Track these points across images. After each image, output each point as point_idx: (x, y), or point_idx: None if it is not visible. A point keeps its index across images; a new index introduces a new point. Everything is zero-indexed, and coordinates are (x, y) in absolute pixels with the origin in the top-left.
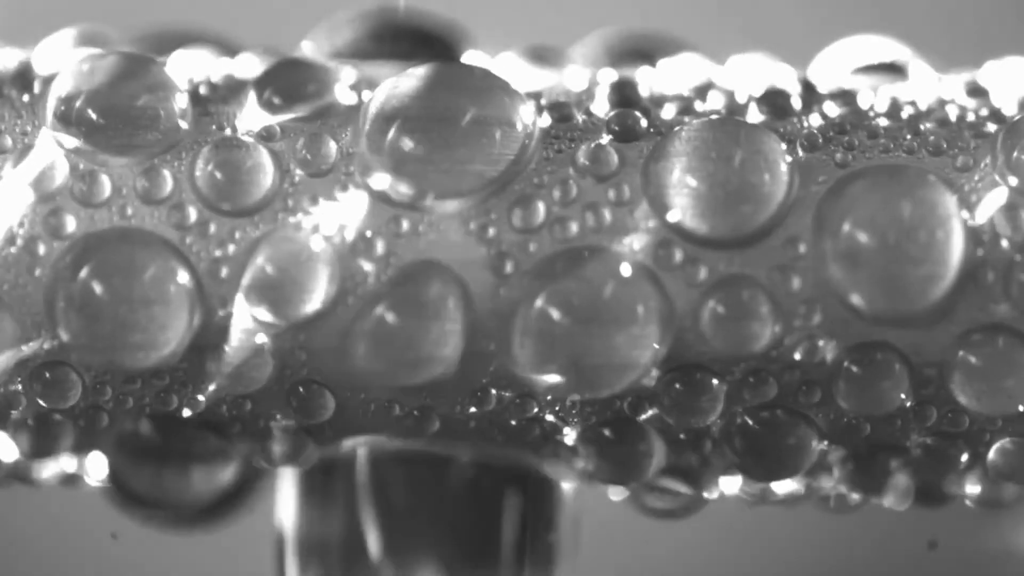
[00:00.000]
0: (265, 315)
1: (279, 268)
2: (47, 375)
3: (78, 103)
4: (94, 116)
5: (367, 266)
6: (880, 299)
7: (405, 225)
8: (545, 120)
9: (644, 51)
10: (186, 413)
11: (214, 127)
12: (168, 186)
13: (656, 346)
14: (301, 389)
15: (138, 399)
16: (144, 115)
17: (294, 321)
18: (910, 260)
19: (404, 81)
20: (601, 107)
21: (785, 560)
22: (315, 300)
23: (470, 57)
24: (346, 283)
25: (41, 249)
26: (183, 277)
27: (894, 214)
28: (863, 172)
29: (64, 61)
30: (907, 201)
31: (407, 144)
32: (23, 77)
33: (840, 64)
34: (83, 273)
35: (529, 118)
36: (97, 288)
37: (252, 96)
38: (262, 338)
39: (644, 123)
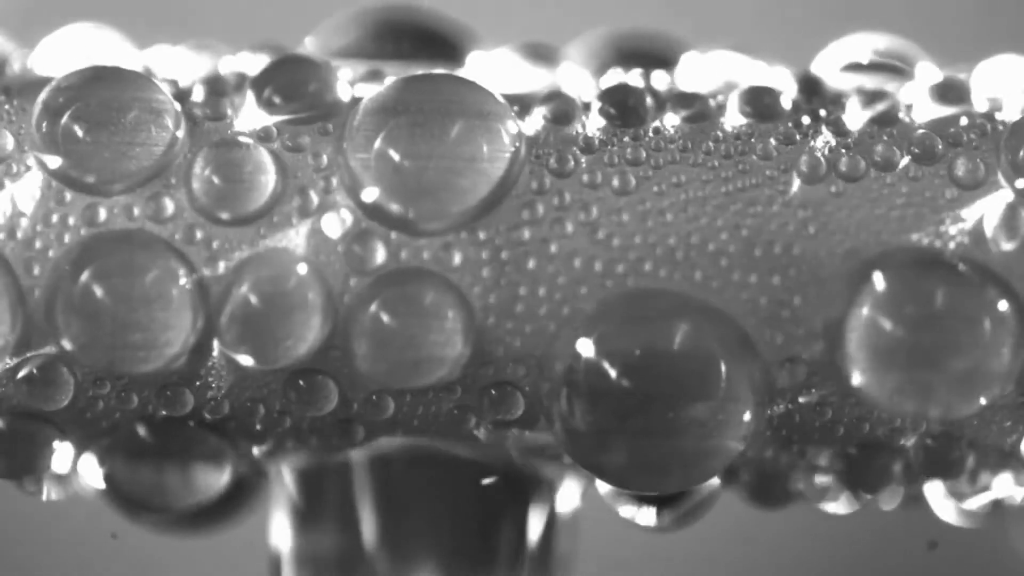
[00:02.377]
0: (247, 359)
1: (265, 304)
2: (35, 373)
3: (60, 129)
4: (79, 137)
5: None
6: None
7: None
8: (536, 121)
9: (638, 51)
10: (187, 414)
11: (212, 129)
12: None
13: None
14: (301, 382)
15: (137, 400)
16: (132, 150)
17: (277, 364)
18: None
19: (386, 93)
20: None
21: (785, 560)
22: (303, 343)
23: (474, 57)
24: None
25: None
26: (184, 279)
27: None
28: (887, 259)
29: (57, 67)
30: (941, 298)
31: (393, 157)
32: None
33: (839, 63)
34: (84, 276)
35: (516, 130)
36: (98, 290)
37: (250, 95)
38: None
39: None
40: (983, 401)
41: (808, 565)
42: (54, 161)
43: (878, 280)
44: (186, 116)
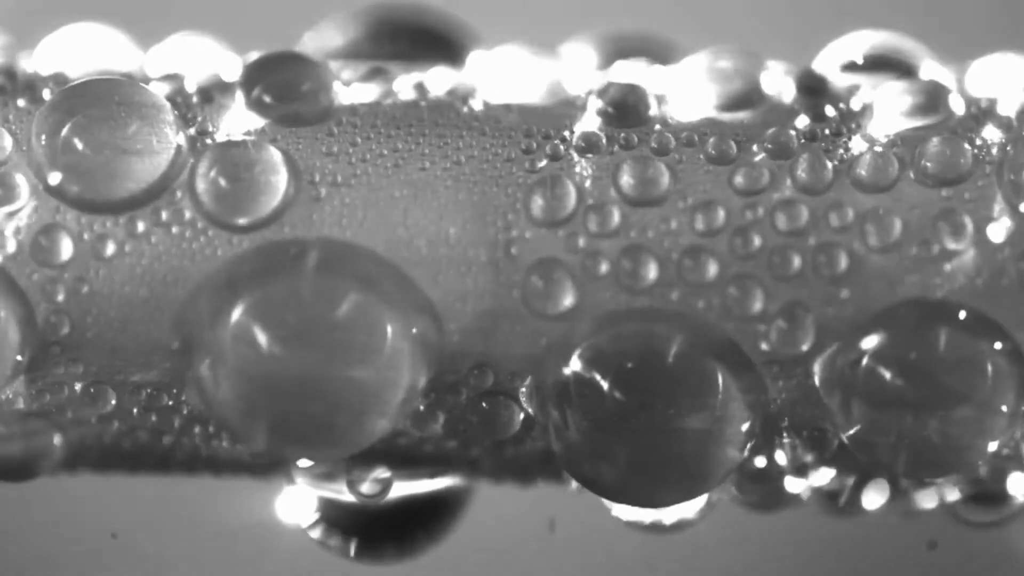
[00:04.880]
0: None
1: None
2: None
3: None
4: (79, 153)
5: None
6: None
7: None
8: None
9: (632, 53)
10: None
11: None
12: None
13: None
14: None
15: (137, 402)
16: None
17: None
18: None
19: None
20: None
21: (783, 560)
22: None
23: (474, 57)
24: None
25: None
26: None
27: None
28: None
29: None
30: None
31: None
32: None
33: (838, 64)
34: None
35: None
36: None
37: (239, 96)
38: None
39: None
40: (992, 448)
41: (807, 565)
42: (55, 178)
43: (878, 331)
44: (186, 123)
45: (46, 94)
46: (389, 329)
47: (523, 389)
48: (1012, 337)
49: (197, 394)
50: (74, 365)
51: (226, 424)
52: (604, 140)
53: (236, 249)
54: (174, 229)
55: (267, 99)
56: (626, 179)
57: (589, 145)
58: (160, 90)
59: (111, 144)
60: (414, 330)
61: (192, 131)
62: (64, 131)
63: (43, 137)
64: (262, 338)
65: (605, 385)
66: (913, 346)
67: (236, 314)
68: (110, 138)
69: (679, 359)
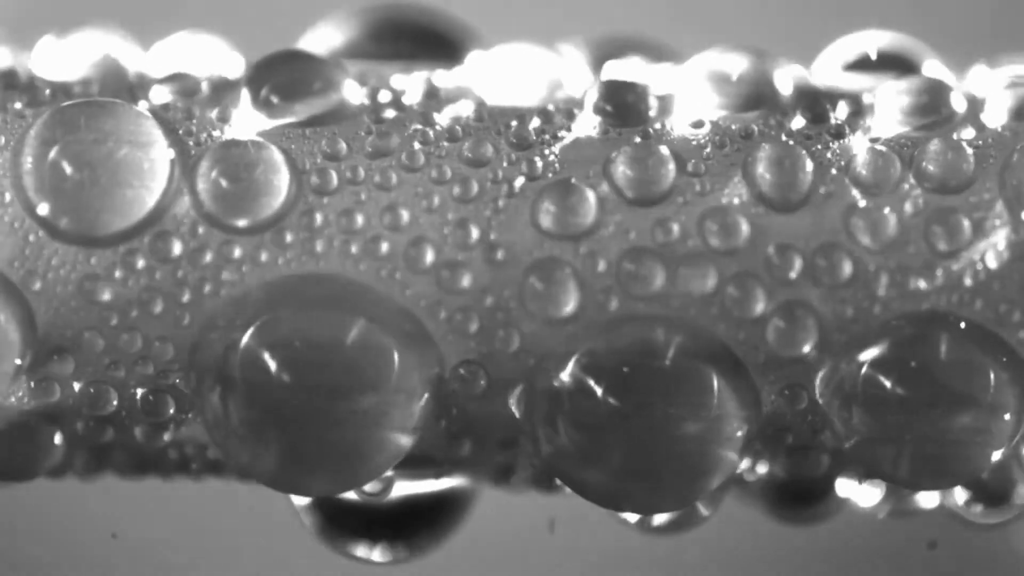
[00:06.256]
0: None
1: None
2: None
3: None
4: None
5: None
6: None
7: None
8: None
9: (632, 54)
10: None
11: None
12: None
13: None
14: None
15: (135, 403)
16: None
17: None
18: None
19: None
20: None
21: (783, 560)
22: None
23: (474, 57)
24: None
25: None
26: None
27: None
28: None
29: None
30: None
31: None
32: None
33: (839, 64)
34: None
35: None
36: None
37: (245, 95)
38: None
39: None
40: (995, 458)
41: (807, 565)
42: (43, 209)
43: (878, 340)
44: (179, 145)
45: (45, 97)
46: (396, 356)
47: (514, 395)
48: (1012, 342)
49: (208, 426)
50: (74, 365)
51: (237, 456)
52: (602, 140)
53: (235, 250)
54: (175, 229)
55: (274, 99)
56: (626, 180)
57: (589, 146)
58: (159, 92)
59: (100, 171)
60: (417, 356)
61: (189, 143)
62: (51, 157)
63: (29, 160)
64: (272, 366)
65: (599, 390)
66: (914, 354)
67: (246, 342)
68: (99, 165)
69: (674, 364)
